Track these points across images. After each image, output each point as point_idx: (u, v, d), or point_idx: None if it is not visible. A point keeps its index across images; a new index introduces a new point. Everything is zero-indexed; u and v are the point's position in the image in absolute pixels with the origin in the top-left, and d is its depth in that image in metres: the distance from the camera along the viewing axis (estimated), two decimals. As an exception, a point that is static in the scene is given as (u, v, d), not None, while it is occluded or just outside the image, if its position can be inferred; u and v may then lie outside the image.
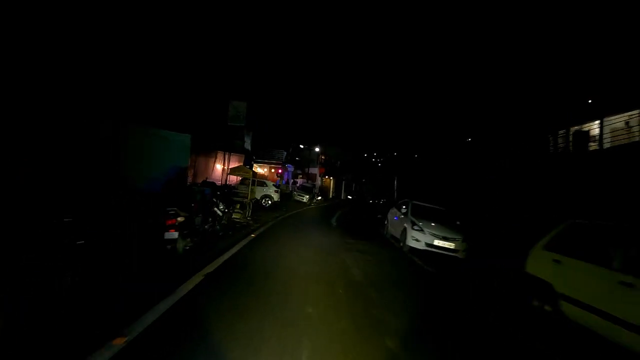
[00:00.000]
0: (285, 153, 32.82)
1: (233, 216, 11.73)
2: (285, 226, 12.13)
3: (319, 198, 31.89)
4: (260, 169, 35.83)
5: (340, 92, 61.24)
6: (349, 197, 48.35)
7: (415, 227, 9.00)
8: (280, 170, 34.00)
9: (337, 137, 44.57)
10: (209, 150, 16.16)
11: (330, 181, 44.11)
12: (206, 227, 7.69)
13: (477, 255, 9.33)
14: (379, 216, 23.11)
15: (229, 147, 16.46)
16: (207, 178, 16.38)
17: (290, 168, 35.23)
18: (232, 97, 17.37)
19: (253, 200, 13.53)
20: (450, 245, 8.61)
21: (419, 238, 8.78)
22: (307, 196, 27.25)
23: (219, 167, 18.21)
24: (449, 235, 8.78)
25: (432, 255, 8.67)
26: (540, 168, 15.48)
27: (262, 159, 32.17)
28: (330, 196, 42.53)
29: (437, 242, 8.59)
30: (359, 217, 22.10)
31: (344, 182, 47.84)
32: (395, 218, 11.17)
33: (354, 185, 53.68)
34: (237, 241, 7.52)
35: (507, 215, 14.88)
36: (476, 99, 24.02)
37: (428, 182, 29.91)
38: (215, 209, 7.91)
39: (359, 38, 66.10)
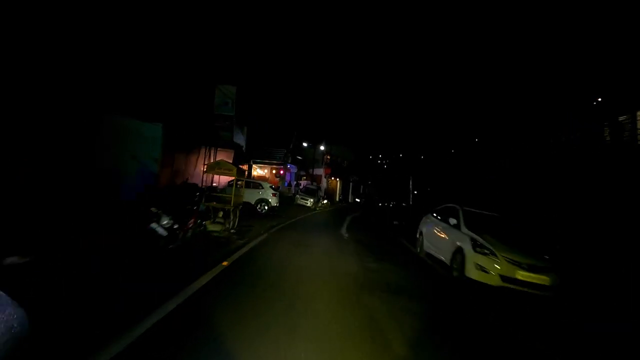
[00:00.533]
0: (286, 151, 29.62)
1: (209, 228, 8.64)
2: (280, 242, 8.92)
3: (325, 202, 28.68)
4: (260, 170, 32.73)
5: (345, 90, 57.92)
6: (356, 199, 45.05)
7: (480, 250, 5.70)
8: (282, 172, 30.89)
9: (342, 136, 41.34)
10: (191, 145, 13.05)
11: (336, 183, 40.78)
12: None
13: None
14: (395, 222, 19.90)
15: (214, 141, 13.32)
16: (187, 179, 13.30)
17: (293, 169, 32.07)
18: (221, 82, 14.29)
19: (240, 207, 10.35)
20: (541, 280, 5.31)
21: (488, 267, 5.49)
22: (312, 200, 24.04)
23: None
24: (536, 263, 5.49)
25: (501, 292, 5.41)
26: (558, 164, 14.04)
27: (262, 159, 29.05)
28: (337, 199, 39.27)
29: (520, 275, 5.30)
30: (373, 224, 18.84)
31: (351, 183, 44.46)
32: (434, 229, 7.90)
33: (361, 187, 50.29)
34: (189, 280, 4.29)
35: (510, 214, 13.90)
36: (487, 93, 21.51)
37: (441, 183, 27.15)
38: (155, 225, 4.74)
39: (365, 38, 62.96)
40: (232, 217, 9.68)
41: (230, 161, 14.42)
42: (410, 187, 25.22)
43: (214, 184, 14.28)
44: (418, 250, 8.87)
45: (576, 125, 15.09)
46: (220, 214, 9.47)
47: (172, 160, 13.61)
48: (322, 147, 31.86)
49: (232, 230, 9.35)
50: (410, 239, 12.70)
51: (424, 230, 8.58)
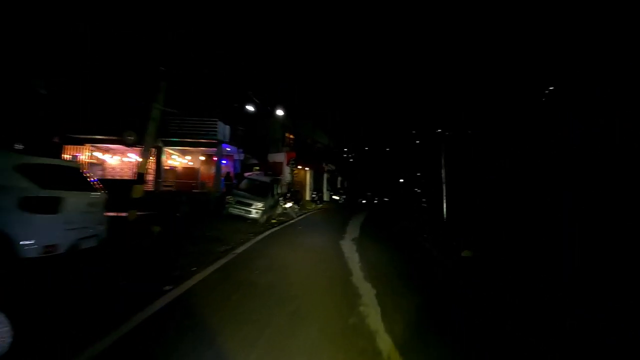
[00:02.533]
0: (223, 125, 16.83)
1: None
2: None
3: (289, 205, 16.46)
4: (180, 159, 19.73)
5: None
6: (333, 196, 33.20)
7: None
8: (215, 158, 18.15)
9: (310, 110, 29.11)
10: None
11: (305, 173, 28.44)
12: None
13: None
14: (466, 255, 8.24)
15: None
16: None
17: (235, 153, 19.38)
18: None
19: None
20: None
21: None
22: (260, 204, 11.73)
23: None
24: None
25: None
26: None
27: (182, 138, 16.04)
28: (307, 197, 27.08)
29: None
30: (419, 275, 6.86)
31: (325, 175, 32.33)
32: None
33: (339, 179, 38.36)
34: None
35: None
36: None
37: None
38: None
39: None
40: None
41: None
42: (443, 174, 14.09)
43: None
44: None
45: None
46: None
47: None
48: (279, 112, 19.18)
49: None
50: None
51: None
